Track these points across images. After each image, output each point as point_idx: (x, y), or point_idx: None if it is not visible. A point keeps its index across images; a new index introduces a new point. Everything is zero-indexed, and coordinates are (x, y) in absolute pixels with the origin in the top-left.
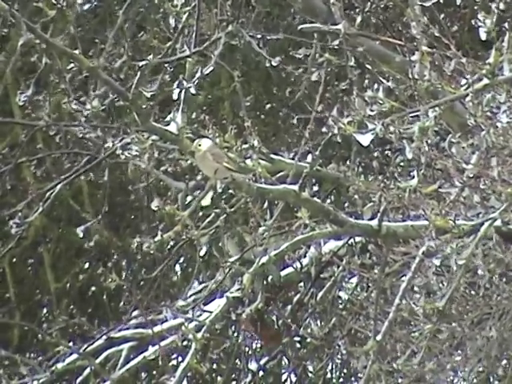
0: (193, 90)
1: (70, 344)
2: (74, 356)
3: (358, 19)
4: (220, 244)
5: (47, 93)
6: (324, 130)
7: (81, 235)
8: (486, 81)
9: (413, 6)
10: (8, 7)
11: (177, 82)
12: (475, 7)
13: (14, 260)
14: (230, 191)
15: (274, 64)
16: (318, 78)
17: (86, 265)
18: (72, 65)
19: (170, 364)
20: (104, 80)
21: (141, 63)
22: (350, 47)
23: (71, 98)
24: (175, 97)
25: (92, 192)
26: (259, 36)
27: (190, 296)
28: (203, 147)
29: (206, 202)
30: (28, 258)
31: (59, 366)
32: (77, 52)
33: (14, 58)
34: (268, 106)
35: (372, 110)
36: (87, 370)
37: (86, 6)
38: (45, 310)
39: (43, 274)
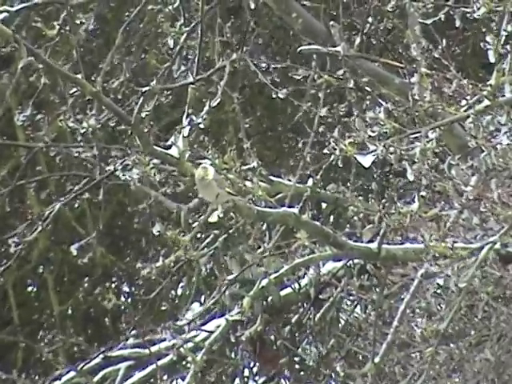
0: (201, 126)
1: (71, 364)
2: (72, 374)
3: (357, 41)
4: (220, 264)
5: (47, 113)
6: (325, 151)
7: (75, 253)
8: (487, 102)
9: (413, 27)
10: (12, 32)
11: (186, 119)
12: (475, 30)
13: (17, 282)
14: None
15: (280, 96)
16: (327, 113)
17: (89, 287)
18: (75, 89)
19: None
20: (106, 104)
21: (144, 89)
22: (349, 69)
23: (69, 116)
24: (186, 133)
25: (95, 214)
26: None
27: (189, 316)
28: (209, 176)
29: (214, 218)
30: (31, 281)
31: (57, 383)
32: (79, 76)
33: (15, 79)
34: (271, 129)
35: (373, 132)
36: None
37: (90, 27)
38: (47, 332)
39: (46, 296)
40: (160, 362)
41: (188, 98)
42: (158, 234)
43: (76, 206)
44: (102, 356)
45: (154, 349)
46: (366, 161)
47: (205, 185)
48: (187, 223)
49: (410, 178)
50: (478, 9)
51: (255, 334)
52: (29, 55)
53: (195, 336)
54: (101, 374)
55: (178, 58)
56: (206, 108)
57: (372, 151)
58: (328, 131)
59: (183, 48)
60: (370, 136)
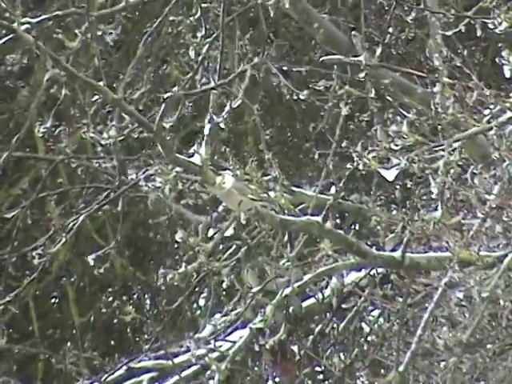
0: (222, 125)
1: (92, 375)
2: None
3: (379, 51)
4: (241, 275)
5: (68, 125)
6: (348, 165)
7: (92, 263)
8: (510, 114)
9: (434, 36)
10: (33, 39)
11: (208, 117)
12: (496, 40)
13: (38, 294)
14: (254, 223)
15: (302, 97)
16: (349, 111)
17: (110, 299)
18: (96, 97)
19: None
20: (128, 112)
21: (165, 95)
22: (370, 79)
23: (89, 127)
24: (206, 131)
25: (115, 225)
26: (285, 68)
27: (212, 327)
28: (227, 185)
29: (229, 232)
30: (52, 293)
31: None
32: (101, 84)
33: (39, 92)
34: (291, 139)
35: (396, 145)
36: None
37: (110, 39)
38: (68, 345)
39: (67, 308)
40: (183, 374)
41: (210, 104)
42: (180, 240)
43: (96, 217)
44: (125, 367)
45: (177, 360)
46: (390, 175)
47: (225, 194)
48: (205, 236)
49: (434, 191)
50: (500, 23)
51: (277, 344)
52: (51, 64)
53: (220, 346)
54: None
55: (200, 68)
56: (227, 108)
57: (396, 165)
58: (350, 142)
59: (205, 59)
60: (392, 149)
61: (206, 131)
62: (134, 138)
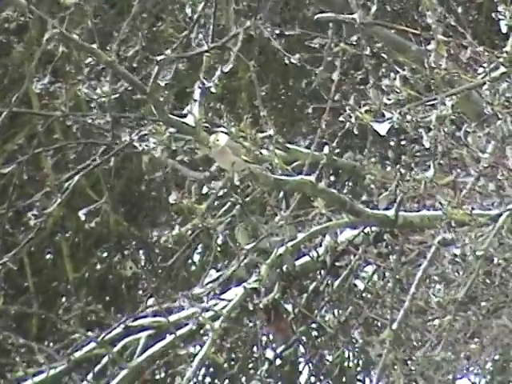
0: (213, 89)
1: (88, 332)
2: (92, 344)
3: (373, 8)
4: (234, 234)
5: (64, 82)
6: (341, 119)
7: (83, 218)
8: (502, 69)
9: None
10: (25, 3)
11: (198, 83)
12: None
13: (33, 250)
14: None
15: (293, 61)
16: (339, 76)
17: (105, 254)
18: (90, 59)
19: (188, 353)
20: (122, 73)
21: (159, 57)
22: (365, 37)
23: (84, 84)
24: (196, 96)
25: (110, 182)
26: (277, 32)
27: (207, 284)
28: (221, 142)
29: (222, 191)
30: (46, 248)
31: (77, 354)
32: (94, 46)
33: (38, 52)
34: (285, 96)
35: (389, 99)
36: (105, 359)
37: None
38: (63, 300)
39: (61, 264)
40: (179, 332)
41: (203, 66)
42: (174, 202)
43: (91, 173)
44: (122, 326)
45: (172, 318)
46: (382, 128)
47: (219, 152)
48: (199, 195)
49: (426, 144)
50: None
51: (271, 303)
52: (43, 24)
53: (214, 305)
54: (121, 343)
55: (195, 26)
56: (218, 73)
57: (388, 119)
58: (344, 99)
59: (201, 16)
60: (385, 104)
61: (197, 96)
62: (129, 97)
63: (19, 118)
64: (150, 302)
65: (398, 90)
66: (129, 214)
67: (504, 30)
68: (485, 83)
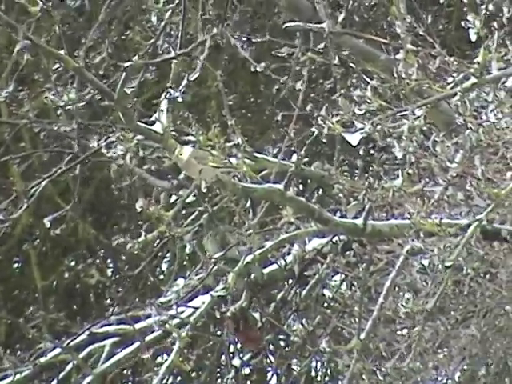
0: (180, 99)
1: (54, 340)
2: (58, 350)
3: (341, 17)
4: (202, 242)
5: (32, 90)
6: (313, 129)
7: (48, 225)
8: (473, 80)
9: (397, 3)
10: None
11: (164, 93)
12: (461, 6)
13: (0, 258)
14: (215, 190)
15: (259, 69)
16: (302, 85)
17: (73, 263)
18: (58, 65)
19: (155, 361)
20: (89, 80)
21: (126, 64)
22: (334, 46)
23: (51, 91)
24: (163, 106)
25: (78, 190)
26: (244, 39)
27: (174, 292)
28: (184, 156)
29: (190, 199)
30: (14, 256)
31: (42, 359)
32: (62, 52)
33: (10, 62)
34: (254, 104)
35: (360, 109)
36: (70, 365)
37: (73, 4)
38: (31, 308)
39: (29, 271)
40: (145, 339)
41: (171, 74)
42: (140, 209)
43: (60, 181)
44: (87, 332)
45: (139, 325)
46: (354, 139)
47: (184, 164)
48: (167, 203)
49: (398, 155)
50: None
51: (239, 311)
52: (10, 32)
53: (181, 312)
54: (86, 350)
55: (162, 34)
56: (185, 82)
57: (360, 129)
58: (314, 108)
59: (167, 25)
60: (357, 114)
61: (163, 106)
62: (99, 104)
63: None
64: (116, 310)
65: (369, 100)
66: (97, 222)
67: (473, 38)
68: (456, 94)
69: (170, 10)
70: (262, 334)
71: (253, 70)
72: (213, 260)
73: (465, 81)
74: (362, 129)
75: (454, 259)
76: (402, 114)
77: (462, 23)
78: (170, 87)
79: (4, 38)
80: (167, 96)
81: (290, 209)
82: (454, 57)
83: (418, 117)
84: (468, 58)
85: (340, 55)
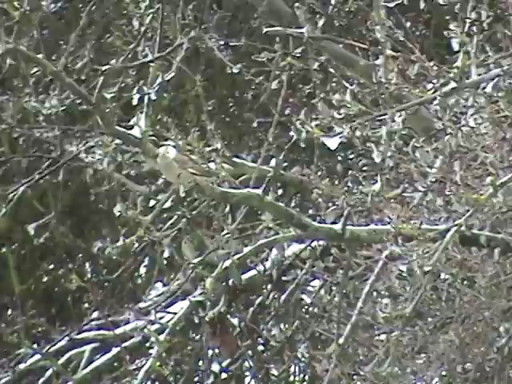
0: (153, 96)
1: (33, 345)
2: (37, 356)
3: (321, 22)
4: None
5: (11, 94)
6: (291, 133)
7: (32, 233)
8: (453, 84)
9: (377, 9)
10: None
11: (136, 88)
12: (439, 12)
13: None
14: (194, 195)
15: (234, 71)
16: (278, 85)
17: (51, 267)
18: (36, 69)
19: (133, 366)
20: (67, 84)
21: (104, 67)
22: (313, 51)
23: (32, 97)
24: (135, 102)
25: (56, 194)
26: (222, 43)
27: (153, 298)
28: (170, 155)
29: (168, 204)
30: None
31: (21, 366)
32: (40, 56)
33: None
34: (233, 109)
35: (339, 114)
36: (50, 371)
37: (52, 7)
38: (9, 312)
39: (7, 275)
40: (125, 344)
41: (149, 78)
42: (118, 214)
43: (37, 186)
44: (67, 338)
45: (118, 331)
46: (333, 143)
47: (166, 165)
48: (145, 207)
49: (377, 159)
50: None
51: (217, 316)
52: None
53: (160, 318)
54: (66, 356)
55: (142, 39)
56: (159, 80)
57: (338, 133)
58: (293, 112)
59: (148, 29)
60: (336, 118)
61: (136, 102)
62: (77, 108)
63: None
64: (95, 314)
65: (348, 105)
66: (75, 226)
67: (456, 47)
68: (435, 98)
69: (151, 15)
70: (236, 338)
71: (230, 72)
72: (191, 265)
73: (444, 86)
74: (341, 133)
75: (432, 264)
76: (380, 118)
77: (444, 33)
78: (143, 84)
79: None
80: (139, 92)
81: (269, 214)
82: (433, 62)
83: (396, 121)
84: (447, 63)
85: (319, 60)
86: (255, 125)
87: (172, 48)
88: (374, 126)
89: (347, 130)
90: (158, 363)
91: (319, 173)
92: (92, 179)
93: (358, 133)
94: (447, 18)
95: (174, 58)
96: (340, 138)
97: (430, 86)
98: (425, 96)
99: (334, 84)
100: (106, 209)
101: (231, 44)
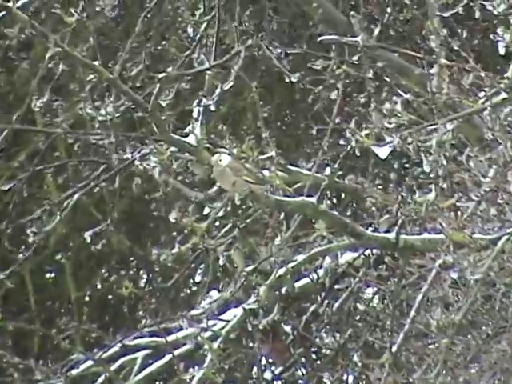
0: (212, 108)
1: (86, 351)
2: (90, 363)
3: (376, 31)
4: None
5: (66, 100)
6: (342, 142)
7: (88, 240)
8: (504, 95)
9: (432, 18)
10: (28, 18)
11: (197, 100)
12: (495, 21)
13: (35, 268)
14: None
15: (293, 80)
16: (337, 95)
17: (107, 274)
18: (92, 76)
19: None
20: (123, 91)
21: (160, 75)
22: (368, 59)
23: (87, 103)
24: (195, 115)
25: (113, 201)
26: (279, 50)
27: (205, 305)
28: (223, 162)
29: (222, 212)
30: (48, 267)
31: (74, 372)
32: (96, 63)
33: (41, 69)
34: (289, 117)
35: (390, 123)
36: (102, 377)
37: (110, 14)
38: (64, 319)
39: (64, 282)
40: (177, 352)
41: (205, 85)
42: (174, 221)
43: (94, 192)
44: (119, 345)
45: (171, 338)
46: (383, 152)
47: (220, 172)
48: (200, 215)
49: (426, 168)
50: (498, 5)
51: (270, 324)
52: (46, 41)
53: (213, 325)
54: (118, 362)
55: (197, 46)
56: (218, 90)
57: (388, 142)
58: (346, 121)
59: (203, 37)
60: (386, 127)
61: (195, 114)
62: (131, 115)
63: (23, 135)
64: (148, 321)
65: (399, 114)
66: (132, 233)
67: (502, 52)
68: (485, 109)
69: (206, 22)
70: (289, 346)
71: (287, 80)
72: (244, 273)
73: (496, 96)
74: (391, 142)
75: (484, 272)
76: (431, 128)
77: (492, 37)
78: (203, 96)
79: (41, 48)
80: (199, 104)
81: (323, 222)
82: (488, 71)
83: (448, 131)
84: (501, 72)
85: (374, 69)
86: (314, 132)
87: (229, 56)
88: (425, 135)
89: (397, 140)
90: (211, 370)
91: (373, 181)
92: (148, 186)
93: (408, 142)
94: (496, 22)
95: (231, 66)
96: (390, 147)
97: (481, 94)
98: (475, 106)
99: (387, 93)
100: (163, 215)
101: (288, 52)
